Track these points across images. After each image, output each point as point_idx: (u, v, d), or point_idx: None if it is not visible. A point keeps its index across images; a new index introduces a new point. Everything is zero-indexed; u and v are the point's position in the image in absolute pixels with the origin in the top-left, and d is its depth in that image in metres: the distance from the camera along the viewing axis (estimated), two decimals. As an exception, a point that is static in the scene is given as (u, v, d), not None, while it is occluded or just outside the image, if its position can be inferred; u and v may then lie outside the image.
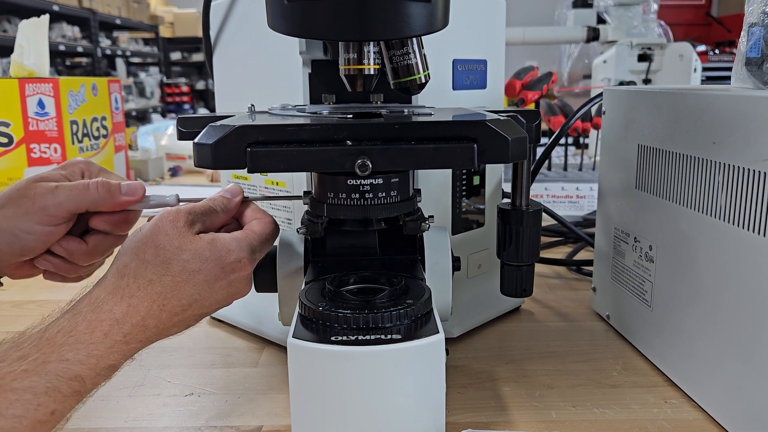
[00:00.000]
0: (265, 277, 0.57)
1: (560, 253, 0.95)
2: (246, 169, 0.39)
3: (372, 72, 0.45)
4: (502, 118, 0.42)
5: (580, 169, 1.22)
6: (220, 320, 0.71)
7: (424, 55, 0.48)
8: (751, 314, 0.45)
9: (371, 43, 0.45)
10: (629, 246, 0.63)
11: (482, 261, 0.72)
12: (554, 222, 0.94)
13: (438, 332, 0.43)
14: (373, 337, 0.42)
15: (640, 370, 0.59)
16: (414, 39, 0.46)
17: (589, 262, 0.85)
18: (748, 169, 0.45)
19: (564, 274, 0.86)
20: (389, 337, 0.42)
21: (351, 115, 0.45)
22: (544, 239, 1.01)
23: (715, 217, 0.49)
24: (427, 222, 0.51)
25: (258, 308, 0.67)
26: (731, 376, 0.47)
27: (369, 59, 0.45)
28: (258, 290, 0.58)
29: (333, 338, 0.42)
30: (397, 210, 0.48)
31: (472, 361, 0.61)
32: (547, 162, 1.23)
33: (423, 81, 0.48)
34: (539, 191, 1.16)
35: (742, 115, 0.46)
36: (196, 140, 0.42)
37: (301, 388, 0.43)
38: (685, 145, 0.53)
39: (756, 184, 0.44)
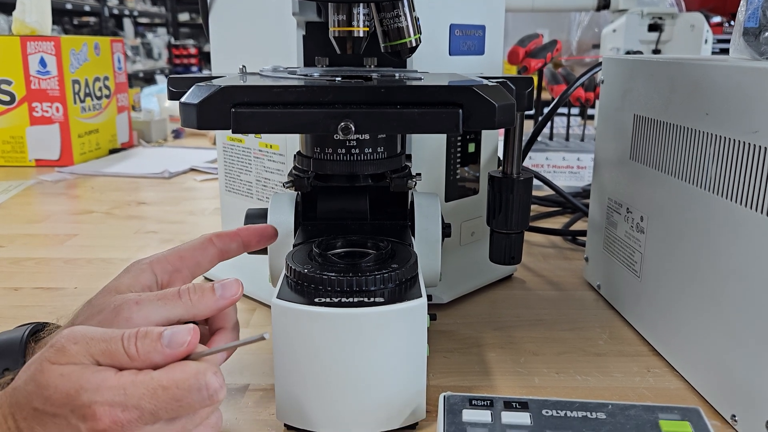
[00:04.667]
0: (255, 240, 0.57)
1: (557, 223, 0.95)
2: (231, 130, 0.39)
3: (361, 34, 0.45)
4: (490, 83, 0.42)
5: (582, 140, 1.21)
6: (210, 280, 0.72)
7: (416, 18, 0.47)
8: (738, 288, 0.45)
9: (361, 5, 0.44)
10: (621, 217, 0.63)
11: (475, 228, 0.72)
12: (552, 192, 0.94)
13: (421, 297, 0.44)
14: (356, 299, 0.43)
15: (627, 339, 0.59)
16: (405, 1, 0.45)
17: (585, 233, 0.85)
18: (740, 141, 0.44)
19: (559, 244, 0.86)
20: (372, 300, 0.43)
21: (340, 78, 0.45)
22: (541, 209, 1.01)
23: (706, 189, 0.48)
24: (414, 179, 0.51)
25: (249, 270, 0.68)
26: (714, 348, 0.48)
27: (358, 21, 0.45)
28: (249, 252, 0.58)
29: (317, 300, 0.43)
30: (384, 166, 0.48)
31: (460, 327, 0.61)
32: (549, 131, 1.22)
33: (414, 45, 0.47)
34: (540, 161, 1.15)
35: (735, 85, 0.45)
36: (181, 100, 0.42)
37: (284, 349, 0.43)
38: (679, 116, 0.52)
39: (747, 156, 0.44)
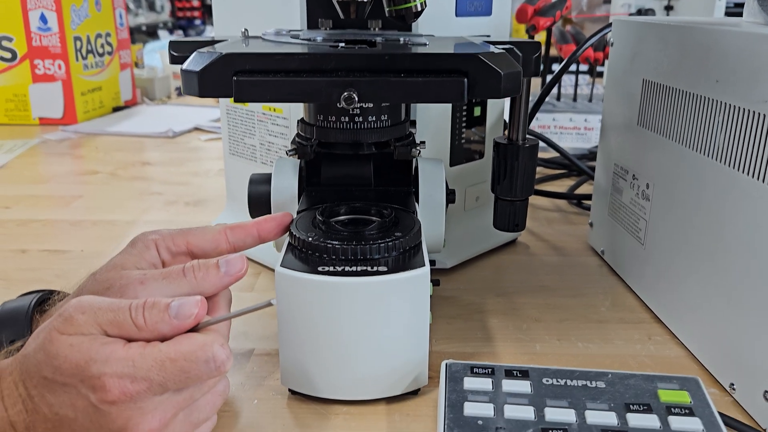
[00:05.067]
0: (259, 204, 0.57)
1: (562, 186, 0.95)
2: (233, 98, 0.39)
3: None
4: (496, 51, 0.41)
5: (590, 100, 1.20)
6: (218, 244, 0.72)
7: (422, -19, 0.46)
8: (741, 259, 0.45)
9: (365, -32, 0.43)
10: (627, 183, 0.62)
11: (480, 193, 0.71)
12: (558, 154, 0.94)
13: (424, 265, 0.44)
14: (359, 268, 0.43)
15: (629, 306, 0.59)
16: (410, -36, 0.44)
17: (590, 197, 0.84)
18: (750, 111, 0.44)
19: (564, 208, 0.86)
20: (375, 268, 0.43)
21: (343, 44, 0.44)
22: (547, 171, 1.00)
23: (714, 158, 0.48)
24: (418, 148, 0.50)
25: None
26: (715, 317, 0.48)
27: (362, -15, 0.44)
28: (252, 216, 0.58)
29: (320, 268, 0.43)
30: (387, 134, 0.47)
31: (463, 293, 0.62)
32: (557, 91, 1.21)
33: (419, 9, 0.46)
34: (546, 122, 1.14)
35: (747, 52, 0.44)
36: (183, 67, 0.41)
37: (288, 316, 0.44)
38: (688, 82, 0.51)
39: (756, 126, 0.43)
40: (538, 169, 1.01)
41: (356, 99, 0.37)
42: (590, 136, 1.12)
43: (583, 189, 0.91)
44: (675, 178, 0.53)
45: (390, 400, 0.45)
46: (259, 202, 0.57)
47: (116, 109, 1.49)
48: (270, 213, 0.58)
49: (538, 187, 0.91)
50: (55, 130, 1.30)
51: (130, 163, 1.08)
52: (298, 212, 0.51)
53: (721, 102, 0.47)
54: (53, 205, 0.87)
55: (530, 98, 0.57)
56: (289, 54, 0.39)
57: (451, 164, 0.67)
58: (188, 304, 0.36)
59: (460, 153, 0.68)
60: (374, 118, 0.45)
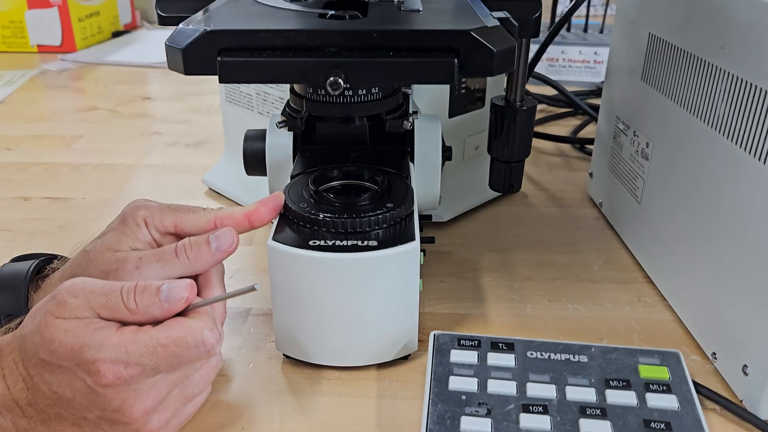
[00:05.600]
0: (254, 162, 0.57)
1: (567, 126, 0.93)
2: (218, 79, 0.38)
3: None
4: (491, 23, 0.40)
5: (602, 31, 1.15)
6: (217, 192, 0.73)
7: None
8: (732, 231, 0.45)
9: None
10: (628, 138, 0.61)
11: (479, 142, 0.70)
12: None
13: (414, 240, 0.44)
14: (349, 242, 0.43)
15: (622, 265, 0.60)
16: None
17: (593, 141, 0.83)
18: (753, 84, 0.42)
19: (567, 152, 0.85)
20: (366, 243, 0.43)
21: (333, 12, 0.43)
22: (552, 110, 0.98)
23: (713, 127, 0.47)
24: (410, 118, 0.50)
25: (253, 183, 0.68)
26: (703, 285, 0.48)
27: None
28: (248, 174, 0.59)
29: (311, 243, 0.43)
30: (379, 107, 0.46)
31: (459, 249, 0.62)
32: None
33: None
34: (555, 54, 1.10)
35: (756, 22, 0.42)
36: (166, 42, 0.40)
37: (280, 288, 0.45)
38: (693, 44, 0.50)
39: (757, 101, 0.42)
40: (543, 107, 0.99)
41: (342, 84, 0.36)
42: (599, 70, 1.09)
43: (587, 131, 0.90)
44: (675, 141, 0.53)
45: (381, 365, 0.47)
46: (254, 159, 0.57)
47: (116, 34, 1.46)
48: (265, 170, 0.58)
49: (541, 128, 0.89)
50: (54, 59, 1.28)
51: (130, 98, 1.07)
52: (292, 176, 0.51)
53: (724, 70, 0.45)
54: (54, 147, 0.87)
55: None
56: (275, 31, 0.38)
57: (451, 115, 0.66)
58: (178, 288, 0.37)
59: (461, 103, 0.66)
60: (365, 92, 0.44)
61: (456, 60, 0.37)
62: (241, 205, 0.70)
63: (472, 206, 0.69)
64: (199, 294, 0.43)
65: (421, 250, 0.47)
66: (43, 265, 0.46)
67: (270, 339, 0.50)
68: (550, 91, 0.99)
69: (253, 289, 0.37)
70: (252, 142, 0.57)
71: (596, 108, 0.92)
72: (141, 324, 0.36)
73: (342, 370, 0.47)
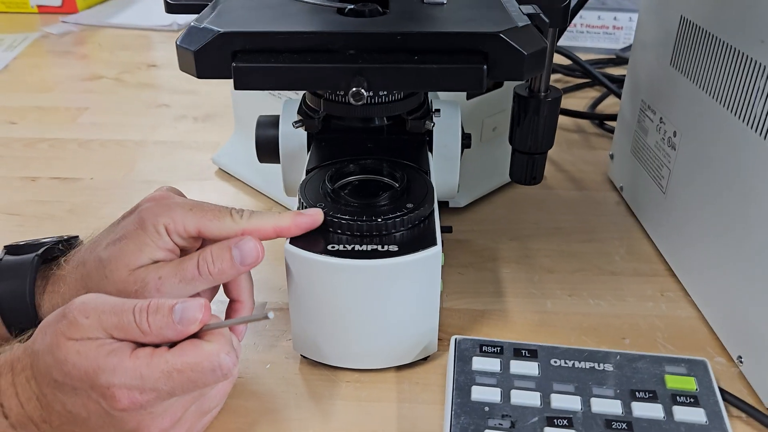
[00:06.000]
0: (267, 150, 0.56)
1: (585, 98, 0.90)
2: (233, 85, 0.36)
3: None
4: (520, 24, 0.37)
5: (622, -6, 1.11)
6: (229, 174, 0.71)
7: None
8: (761, 229, 0.43)
9: None
10: (654, 125, 0.59)
11: (498, 123, 0.68)
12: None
13: (435, 244, 0.43)
14: (369, 247, 0.42)
15: (644, 255, 0.59)
16: None
17: (613, 117, 0.81)
18: (794, 83, 0.40)
19: (585, 128, 0.82)
20: (386, 248, 0.42)
21: (352, 6, 0.40)
22: (568, 80, 0.95)
23: (748, 124, 0.45)
24: (432, 117, 0.48)
25: (263, 168, 0.66)
26: (730, 284, 0.47)
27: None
28: (261, 161, 0.57)
29: (330, 247, 0.42)
30: (400, 108, 0.44)
31: (477, 236, 0.61)
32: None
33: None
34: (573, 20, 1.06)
35: (801, 17, 0.39)
36: (178, 42, 0.38)
37: (298, 292, 0.44)
38: (730, 33, 0.47)
39: (799, 101, 0.40)
40: (558, 77, 0.96)
41: (364, 94, 0.34)
42: (619, 36, 1.06)
43: (606, 104, 0.87)
44: (706, 133, 0.50)
45: (400, 367, 0.46)
46: (267, 147, 0.56)
47: (118, -7, 1.41)
48: (278, 158, 0.56)
49: (559, 101, 0.87)
50: (55, 22, 1.24)
51: (135, 65, 1.04)
52: (307, 170, 0.50)
53: (764, 66, 0.43)
54: (60, 120, 0.85)
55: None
56: (292, 33, 0.36)
57: (469, 97, 0.64)
58: (192, 308, 0.35)
59: (479, 83, 0.64)
60: (385, 92, 0.42)
61: (485, 66, 0.35)
62: (252, 188, 0.69)
63: (490, 190, 0.68)
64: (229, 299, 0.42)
65: (444, 228, 0.45)
66: (48, 256, 0.44)
67: (287, 336, 0.49)
68: (566, 60, 0.95)
69: (266, 317, 0.35)
70: (264, 128, 0.55)
71: (615, 80, 0.90)
72: (155, 345, 0.35)
73: (361, 372, 0.46)
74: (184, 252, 0.42)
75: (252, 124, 0.56)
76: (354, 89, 0.34)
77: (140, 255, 0.40)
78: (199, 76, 0.37)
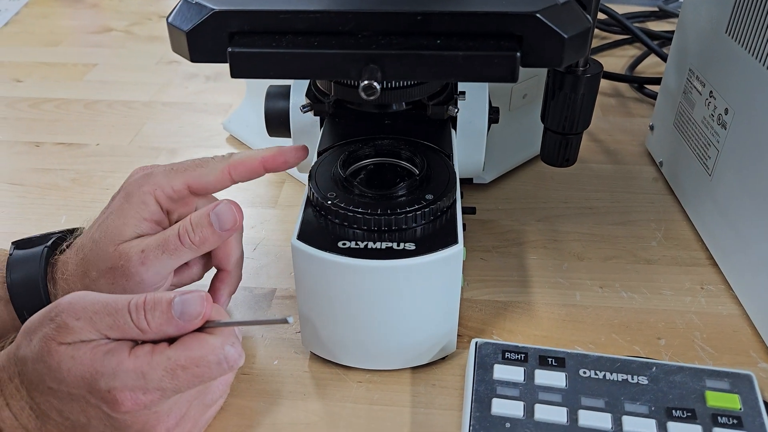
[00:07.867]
0: (277, 123, 0.52)
1: (623, 56, 0.84)
2: (229, 72, 0.32)
3: None
4: (560, 2, 0.32)
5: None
6: (242, 142, 0.68)
7: None
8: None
9: None
10: (702, 99, 0.54)
11: (528, 90, 0.63)
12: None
13: (456, 243, 0.39)
14: (384, 245, 0.38)
15: (683, 240, 0.54)
16: None
17: (655, 80, 0.75)
18: None
19: (623, 92, 0.77)
20: (402, 246, 0.38)
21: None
22: (606, 36, 0.89)
23: (815, 109, 0.39)
24: (456, 101, 0.43)
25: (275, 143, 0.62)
26: (781, 287, 0.43)
27: None
28: (271, 135, 0.53)
29: (341, 244, 0.39)
30: (419, 93, 0.40)
31: (502, 215, 0.57)
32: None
33: None
34: (613, -34, 0.98)
35: None
36: (169, 19, 0.34)
37: (307, 290, 0.40)
38: (801, 2, 0.41)
39: None
40: (595, 33, 0.89)
41: (378, 89, 0.29)
42: (662, -15, 0.97)
43: (647, 64, 0.81)
44: (764, 114, 0.45)
45: (416, 366, 0.43)
46: (277, 120, 0.52)
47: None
48: (289, 132, 0.52)
49: (595, 61, 0.80)
50: (65, -34, 1.19)
51: (146, 15, 0.99)
52: (319, 152, 0.46)
53: (840, 45, 0.37)
54: (66, 78, 0.81)
55: None
56: (297, 12, 0.31)
57: (497, 62, 0.58)
58: (193, 303, 0.33)
59: (508, 47, 0.58)
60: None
61: (518, 54, 0.31)
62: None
63: (518, 164, 0.63)
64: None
65: (468, 208, 0.42)
66: (54, 247, 0.43)
67: (295, 329, 0.46)
68: (601, 15, 0.88)
69: (285, 321, 0.33)
70: (275, 100, 0.51)
71: (657, 36, 0.83)
72: (154, 341, 0.33)
73: (373, 372, 0.43)
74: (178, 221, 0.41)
75: (264, 89, 0.52)
76: (365, 83, 0.29)
77: (124, 229, 0.39)
78: (193, 60, 0.33)
